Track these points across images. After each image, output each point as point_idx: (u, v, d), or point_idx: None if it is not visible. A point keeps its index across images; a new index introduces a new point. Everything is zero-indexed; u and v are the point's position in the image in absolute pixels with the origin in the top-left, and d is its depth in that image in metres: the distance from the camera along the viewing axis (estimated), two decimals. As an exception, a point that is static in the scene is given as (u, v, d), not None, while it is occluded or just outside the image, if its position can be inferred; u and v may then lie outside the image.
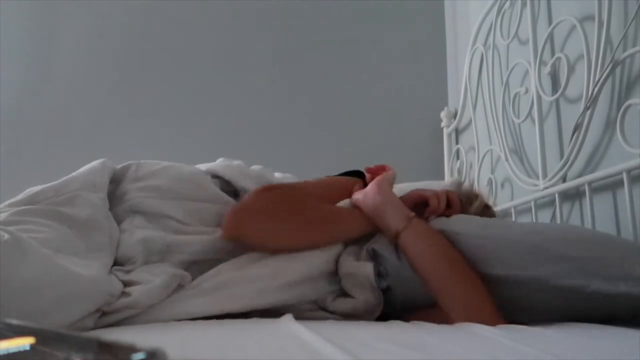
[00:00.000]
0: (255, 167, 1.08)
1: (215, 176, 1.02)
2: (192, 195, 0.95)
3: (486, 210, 1.04)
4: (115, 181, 0.99)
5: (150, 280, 0.78)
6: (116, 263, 0.85)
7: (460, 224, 0.86)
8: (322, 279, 0.88)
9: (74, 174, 0.95)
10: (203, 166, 1.08)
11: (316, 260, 0.88)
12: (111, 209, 0.93)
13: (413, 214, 0.88)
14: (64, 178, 0.94)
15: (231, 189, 1.02)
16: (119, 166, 1.01)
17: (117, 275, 0.80)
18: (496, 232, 0.83)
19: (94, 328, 0.73)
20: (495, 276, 0.79)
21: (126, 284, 0.79)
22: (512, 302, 0.79)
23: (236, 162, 1.07)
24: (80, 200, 0.87)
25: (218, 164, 1.07)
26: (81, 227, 0.82)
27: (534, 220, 1.26)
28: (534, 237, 0.81)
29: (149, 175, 0.97)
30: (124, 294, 0.76)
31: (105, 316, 0.74)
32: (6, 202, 0.87)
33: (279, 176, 1.12)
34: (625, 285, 0.72)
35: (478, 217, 0.92)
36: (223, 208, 0.93)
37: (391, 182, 1.01)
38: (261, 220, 0.86)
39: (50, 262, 0.67)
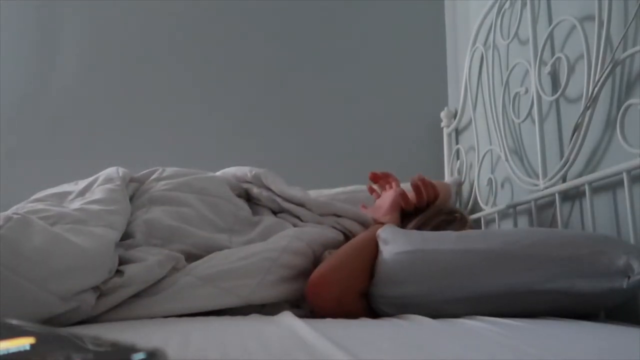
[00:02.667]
0: (259, 171, 1.16)
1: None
2: (210, 191, 1.07)
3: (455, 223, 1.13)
4: (140, 181, 1.10)
5: (145, 258, 0.81)
6: (121, 241, 0.89)
7: (436, 241, 0.88)
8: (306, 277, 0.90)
9: (93, 177, 1.06)
10: (221, 172, 1.24)
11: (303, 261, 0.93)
12: (133, 203, 1.02)
13: (377, 223, 1.07)
14: (85, 184, 1.04)
15: (238, 193, 1.16)
16: (145, 171, 1.13)
17: (117, 251, 0.83)
18: (471, 245, 0.84)
19: (95, 316, 0.74)
20: (479, 290, 0.80)
21: (122, 261, 0.81)
22: (499, 309, 0.78)
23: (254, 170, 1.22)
24: (98, 189, 0.97)
25: (237, 169, 1.22)
26: (97, 203, 0.91)
27: (534, 220, 1.26)
28: (512, 246, 0.81)
29: (173, 175, 1.08)
30: (118, 272, 0.78)
31: (103, 297, 0.75)
32: (32, 198, 0.94)
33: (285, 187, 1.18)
34: (608, 280, 0.74)
35: (451, 232, 0.93)
36: (234, 207, 1.08)
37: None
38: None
39: (57, 235, 0.72)
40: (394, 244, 0.90)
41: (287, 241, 0.92)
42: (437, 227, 1.10)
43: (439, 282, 0.82)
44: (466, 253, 0.83)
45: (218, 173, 1.23)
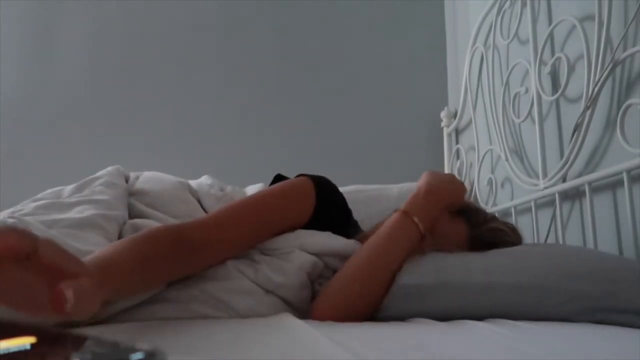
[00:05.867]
0: (228, 188, 1.12)
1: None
2: (175, 212, 0.99)
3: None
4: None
5: None
6: None
7: (461, 272, 0.79)
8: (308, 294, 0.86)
9: (93, 176, 1.02)
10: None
11: (306, 281, 0.86)
12: None
13: (419, 222, 0.87)
14: (85, 179, 1.01)
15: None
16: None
17: None
18: (499, 278, 0.77)
19: (97, 321, 0.74)
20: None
21: None
22: None
23: (210, 182, 1.14)
24: (98, 189, 0.94)
25: (198, 181, 1.15)
26: (95, 204, 0.88)
27: (534, 220, 1.26)
28: (544, 280, 0.75)
29: (139, 192, 1.03)
30: None
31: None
32: (29, 200, 0.92)
33: (252, 188, 1.13)
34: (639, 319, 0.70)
35: (477, 259, 0.82)
36: None
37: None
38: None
39: (55, 239, 0.69)
40: (412, 271, 0.80)
41: (295, 275, 0.84)
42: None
43: (463, 317, 0.75)
44: (494, 288, 0.76)
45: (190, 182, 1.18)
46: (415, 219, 0.87)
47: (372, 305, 0.79)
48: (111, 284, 0.52)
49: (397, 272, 0.81)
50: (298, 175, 0.94)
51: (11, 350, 0.27)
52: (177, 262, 0.70)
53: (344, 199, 0.99)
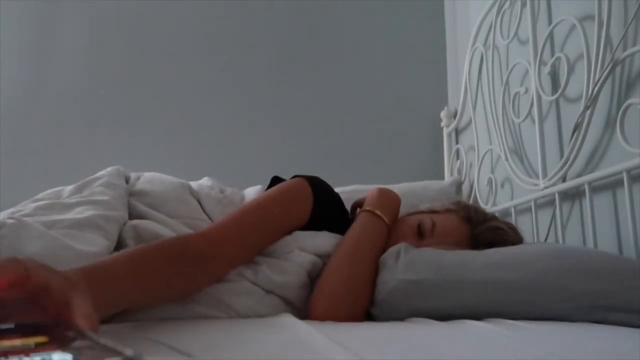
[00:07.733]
0: (228, 190, 1.11)
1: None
2: (175, 212, 0.98)
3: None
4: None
5: None
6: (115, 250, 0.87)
7: (460, 269, 0.79)
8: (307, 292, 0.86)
9: (93, 176, 1.01)
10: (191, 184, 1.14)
11: (305, 280, 0.86)
12: None
13: (382, 215, 0.93)
14: (85, 179, 1.00)
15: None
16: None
17: None
18: (501, 275, 0.78)
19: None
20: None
21: None
22: None
23: (211, 184, 1.13)
24: (98, 189, 0.94)
25: (198, 183, 1.14)
26: (95, 205, 0.87)
27: (534, 220, 1.26)
28: (545, 277, 0.76)
29: (140, 192, 1.01)
30: None
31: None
32: (29, 201, 0.91)
33: (250, 190, 1.13)
34: None
35: (478, 255, 0.83)
36: (201, 224, 0.97)
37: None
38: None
39: (55, 240, 0.71)
40: (408, 268, 0.80)
41: (295, 274, 0.85)
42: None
43: (462, 313, 0.76)
44: (493, 285, 0.77)
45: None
46: (378, 212, 0.93)
47: (362, 297, 0.81)
48: (98, 291, 0.49)
49: (376, 262, 0.85)
50: (293, 177, 0.95)
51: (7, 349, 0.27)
52: (180, 274, 0.69)
53: (339, 198, 1.01)
